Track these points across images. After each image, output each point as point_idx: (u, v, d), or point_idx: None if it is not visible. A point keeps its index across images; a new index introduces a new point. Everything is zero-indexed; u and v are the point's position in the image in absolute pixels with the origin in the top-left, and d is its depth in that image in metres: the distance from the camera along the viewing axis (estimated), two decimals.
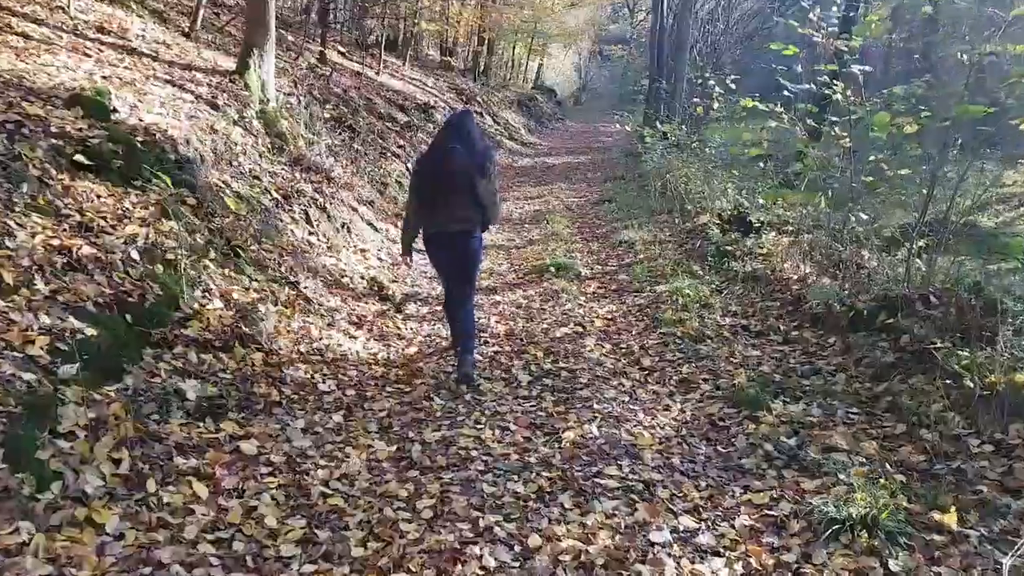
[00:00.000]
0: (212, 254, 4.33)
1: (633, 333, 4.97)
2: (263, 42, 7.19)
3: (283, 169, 6.31)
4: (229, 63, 7.48)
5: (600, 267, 6.89)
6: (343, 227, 6.45)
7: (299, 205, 5.95)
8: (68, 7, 6.44)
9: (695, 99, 12.70)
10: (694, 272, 6.18)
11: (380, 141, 10.54)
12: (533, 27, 28.02)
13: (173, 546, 2.27)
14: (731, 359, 4.21)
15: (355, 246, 6.37)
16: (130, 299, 3.38)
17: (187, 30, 8.47)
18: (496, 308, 5.57)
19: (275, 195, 5.76)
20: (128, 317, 3.29)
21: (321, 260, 5.58)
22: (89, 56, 5.68)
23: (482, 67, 25.95)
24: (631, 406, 3.66)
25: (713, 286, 5.73)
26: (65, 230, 3.42)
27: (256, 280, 4.54)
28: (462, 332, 4.13)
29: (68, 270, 3.24)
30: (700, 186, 9.11)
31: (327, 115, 9.04)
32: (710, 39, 22.96)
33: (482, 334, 4.91)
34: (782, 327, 4.58)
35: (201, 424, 3.03)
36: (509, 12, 19.97)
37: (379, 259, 6.45)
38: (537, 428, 3.41)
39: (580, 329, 4.99)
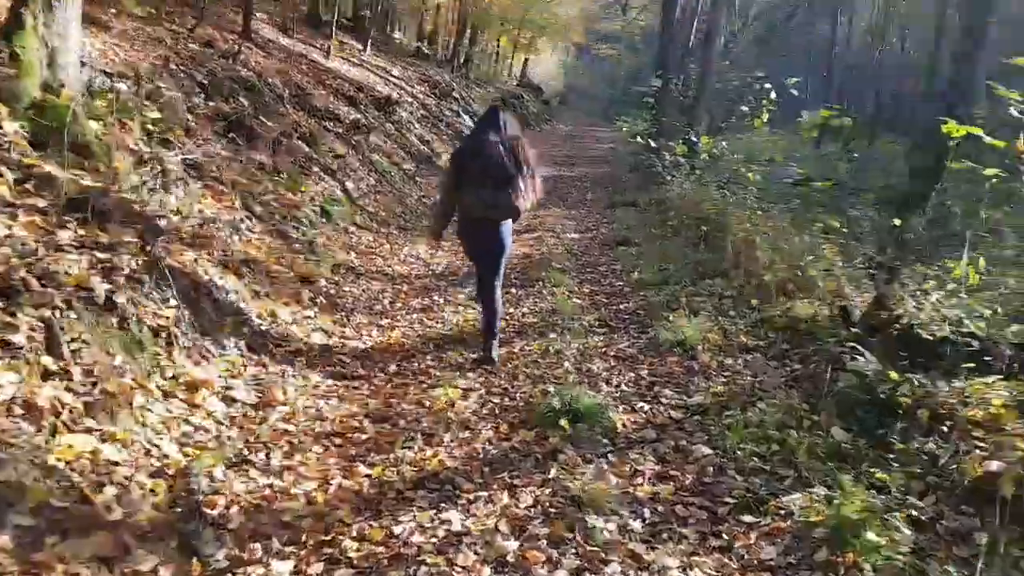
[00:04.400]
0: None
1: None
2: None
3: (22, 228, 3.11)
4: None
5: (647, 406, 3.81)
6: (154, 339, 3.27)
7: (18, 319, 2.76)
8: None
9: (743, 105, 9.80)
10: (841, 451, 3.16)
11: (305, 148, 7.37)
12: (521, 17, 24.94)
13: None
14: None
15: (164, 387, 3.18)
16: None
17: None
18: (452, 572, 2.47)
19: None
20: None
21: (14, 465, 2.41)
22: None
23: (463, 58, 22.81)
24: None
25: (910, 511, 2.71)
26: None
27: None
28: (489, 316, 4.30)
29: None
30: (774, 241, 6.09)
31: (208, 111, 5.85)
32: (722, 38, 20.12)
33: None
34: None
35: None
36: None
37: (230, 399, 3.30)
38: None
39: None
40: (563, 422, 3.41)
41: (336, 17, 13.29)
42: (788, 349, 4.38)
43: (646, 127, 14.69)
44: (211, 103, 6.13)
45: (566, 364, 4.24)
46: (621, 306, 5.58)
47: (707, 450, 3.29)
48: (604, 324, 5.16)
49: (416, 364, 4.20)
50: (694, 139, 9.30)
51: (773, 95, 7.95)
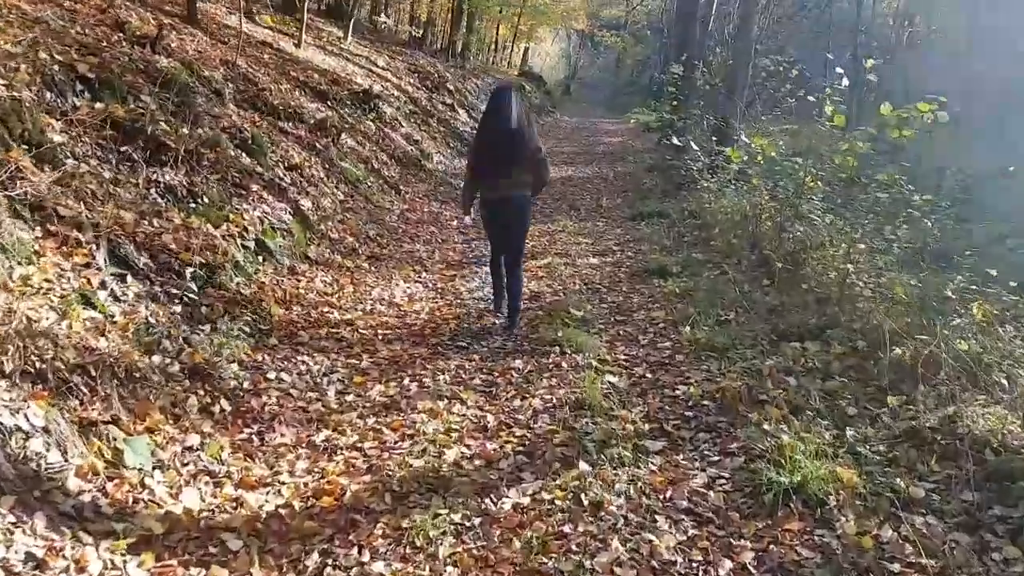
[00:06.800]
0: None
1: None
2: None
3: None
4: None
5: None
6: None
7: None
8: None
9: (795, 96, 8.04)
10: None
11: (243, 160, 5.63)
12: (521, 2, 23.08)
13: None
14: None
15: None
16: None
17: None
18: None
19: None
20: None
21: None
22: None
23: (459, 47, 20.98)
24: None
25: None
26: None
27: None
28: (511, 294, 4.70)
29: None
30: (886, 285, 4.32)
31: (91, 116, 4.11)
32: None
33: None
34: None
35: None
36: None
37: None
38: None
39: None
40: None
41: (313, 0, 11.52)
42: (977, 503, 2.64)
43: (668, 119, 12.87)
44: (98, 104, 4.39)
45: (614, 543, 2.51)
46: (677, 391, 3.83)
47: None
48: (658, 428, 3.41)
49: (356, 551, 2.46)
50: (745, 138, 7.48)
51: (845, 82, 6.20)
